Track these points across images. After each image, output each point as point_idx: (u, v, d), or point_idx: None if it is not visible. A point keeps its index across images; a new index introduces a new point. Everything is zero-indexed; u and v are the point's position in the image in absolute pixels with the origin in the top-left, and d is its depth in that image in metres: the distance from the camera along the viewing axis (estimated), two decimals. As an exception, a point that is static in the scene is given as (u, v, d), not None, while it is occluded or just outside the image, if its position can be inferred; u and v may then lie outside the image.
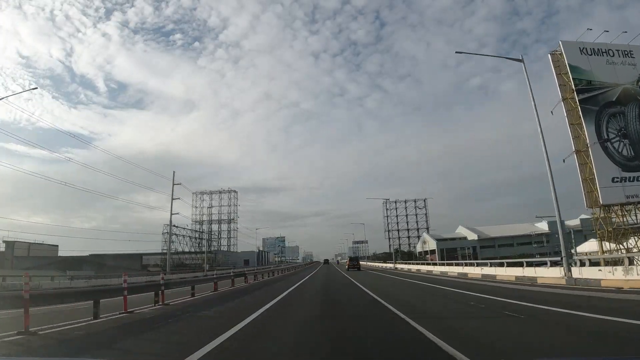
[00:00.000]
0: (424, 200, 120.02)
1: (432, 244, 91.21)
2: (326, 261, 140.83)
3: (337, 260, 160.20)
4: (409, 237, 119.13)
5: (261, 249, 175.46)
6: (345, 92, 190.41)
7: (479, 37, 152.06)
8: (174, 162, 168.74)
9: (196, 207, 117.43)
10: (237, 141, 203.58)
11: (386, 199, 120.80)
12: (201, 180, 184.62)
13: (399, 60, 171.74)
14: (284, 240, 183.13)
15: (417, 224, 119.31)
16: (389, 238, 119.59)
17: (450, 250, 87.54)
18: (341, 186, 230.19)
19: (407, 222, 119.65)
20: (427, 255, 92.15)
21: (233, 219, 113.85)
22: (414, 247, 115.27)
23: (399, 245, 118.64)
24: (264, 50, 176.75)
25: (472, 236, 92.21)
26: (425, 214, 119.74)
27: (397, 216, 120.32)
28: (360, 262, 65.58)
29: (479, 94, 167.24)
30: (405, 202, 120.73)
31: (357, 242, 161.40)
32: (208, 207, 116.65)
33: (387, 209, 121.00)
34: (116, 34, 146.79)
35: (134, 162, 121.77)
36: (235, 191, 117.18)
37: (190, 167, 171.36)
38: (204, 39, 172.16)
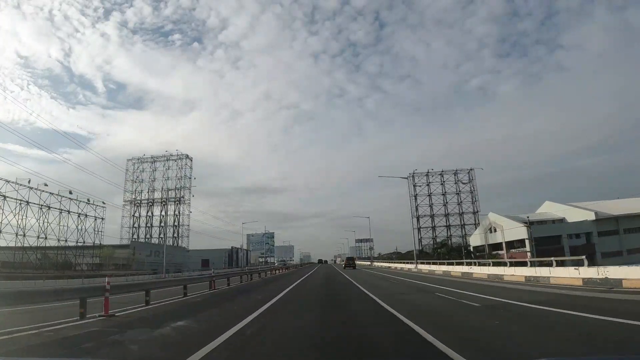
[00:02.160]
0: (469, 172, 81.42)
1: (513, 231, 52.01)
2: (321, 261, 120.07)
3: (335, 261, 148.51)
4: (448, 225, 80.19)
5: (244, 247, 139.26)
6: (345, 93, 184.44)
7: (479, 37, 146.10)
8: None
9: (132, 181, 79.35)
10: (238, 141, 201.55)
11: (414, 170, 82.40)
12: (201, 180, 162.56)
13: (399, 61, 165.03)
14: (272, 237, 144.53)
15: (460, 208, 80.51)
16: (418, 228, 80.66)
17: (546, 240, 48.81)
18: (342, 187, 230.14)
19: (445, 205, 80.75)
20: (501, 252, 53.11)
21: (183, 198, 75.45)
22: (461, 239, 76.61)
23: (434, 237, 79.63)
24: (264, 50, 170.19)
25: (575, 216, 53.24)
26: (471, 192, 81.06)
27: (429, 195, 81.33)
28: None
29: (478, 95, 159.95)
30: (442, 173, 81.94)
31: (360, 241, 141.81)
32: (149, 181, 78.39)
33: (414, 185, 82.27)
34: (115, 34, 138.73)
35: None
36: (188, 157, 78.69)
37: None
38: (204, 39, 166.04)
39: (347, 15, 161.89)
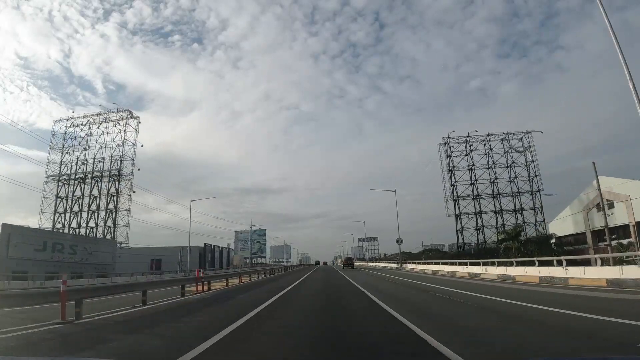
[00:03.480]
0: (522, 138, 58.76)
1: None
2: (319, 263, 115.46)
3: (334, 262, 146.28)
4: (499, 211, 57.15)
5: (232, 246, 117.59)
6: (345, 94, 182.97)
7: (479, 38, 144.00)
8: (173, 162, 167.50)
9: (60, 149, 57.30)
10: (238, 142, 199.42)
11: (449, 134, 59.63)
12: (201, 181, 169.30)
13: (399, 61, 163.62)
14: (264, 235, 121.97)
15: (516, 185, 57.63)
16: (457, 215, 57.60)
17: None
18: (342, 187, 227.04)
19: (494, 182, 57.97)
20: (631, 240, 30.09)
21: (121, 171, 53.12)
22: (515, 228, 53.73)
23: (481, 224, 56.52)
24: (264, 51, 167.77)
25: None
26: (527, 165, 58.27)
27: (471, 169, 58.43)
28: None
29: (478, 95, 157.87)
30: (488, 138, 59.19)
31: (364, 240, 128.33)
32: (81, 149, 56.15)
33: (450, 155, 59.43)
34: (115, 35, 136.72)
35: None
36: (132, 116, 56.52)
37: (191, 168, 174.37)
38: (203, 40, 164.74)
39: (347, 16, 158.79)
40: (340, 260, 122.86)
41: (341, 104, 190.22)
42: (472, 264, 24.35)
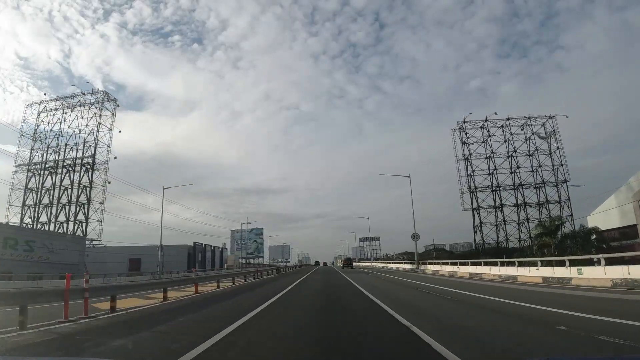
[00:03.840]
0: (545, 124, 52.56)
1: None
2: (318, 263, 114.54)
3: (334, 262, 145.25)
4: (520, 204, 50.78)
5: (227, 246, 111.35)
6: (345, 94, 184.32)
7: (478, 38, 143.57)
8: (173, 162, 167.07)
9: (32, 137, 51.33)
10: (238, 142, 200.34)
11: (464, 118, 53.37)
12: (201, 181, 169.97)
13: (399, 61, 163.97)
14: (261, 234, 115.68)
15: (540, 175, 51.41)
16: (475, 209, 51.22)
17: None
18: (342, 187, 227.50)
19: (515, 172, 51.73)
20: None
21: (93, 158, 47.03)
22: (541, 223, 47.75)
23: (499, 222, 50.16)
24: (264, 51, 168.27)
25: None
26: (551, 153, 52.05)
27: (490, 157, 52.11)
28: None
29: (478, 95, 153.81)
30: (507, 123, 52.88)
31: (365, 239, 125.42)
32: (53, 136, 50.24)
33: (465, 143, 53.13)
34: (115, 35, 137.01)
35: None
36: (109, 98, 50.57)
37: (191, 168, 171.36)
38: (203, 40, 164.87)
39: (347, 16, 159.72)
40: (340, 261, 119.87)
41: (341, 104, 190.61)
42: (546, 263, 17.60)
